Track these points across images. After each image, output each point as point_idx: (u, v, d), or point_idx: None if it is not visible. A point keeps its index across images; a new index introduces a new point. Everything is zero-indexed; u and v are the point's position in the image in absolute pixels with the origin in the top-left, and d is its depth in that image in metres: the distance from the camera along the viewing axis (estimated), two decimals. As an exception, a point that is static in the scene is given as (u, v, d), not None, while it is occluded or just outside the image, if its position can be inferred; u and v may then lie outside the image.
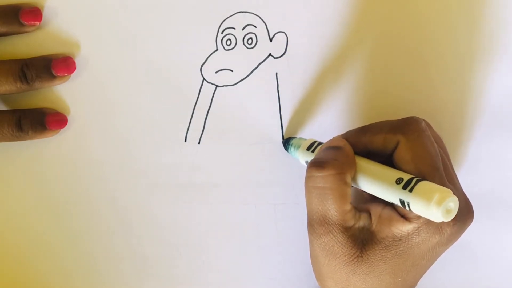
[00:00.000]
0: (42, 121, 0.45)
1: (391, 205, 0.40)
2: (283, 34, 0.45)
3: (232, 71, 0.46)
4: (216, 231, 0.48)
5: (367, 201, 0.43)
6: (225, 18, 0.45)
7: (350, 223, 0.40)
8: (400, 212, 0.39)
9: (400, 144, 0.40)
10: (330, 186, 0.39)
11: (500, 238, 0.48)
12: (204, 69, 0.46)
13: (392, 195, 0.38)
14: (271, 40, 0.45)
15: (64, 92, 0.46)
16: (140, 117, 0.46)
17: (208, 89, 0.46)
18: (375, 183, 0.39)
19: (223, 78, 0.46)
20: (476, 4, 0.45)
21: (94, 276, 0.49)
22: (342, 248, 0.40)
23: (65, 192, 0.47)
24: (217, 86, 0.46)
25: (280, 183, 0.47)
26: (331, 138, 0.43)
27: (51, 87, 0.45)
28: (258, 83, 0.46)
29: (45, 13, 0.44)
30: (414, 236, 0.39)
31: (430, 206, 0.36)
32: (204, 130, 0.46)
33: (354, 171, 0.40)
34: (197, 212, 0.48)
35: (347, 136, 0.42)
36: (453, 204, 0.37)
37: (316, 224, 0.40)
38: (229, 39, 0.45)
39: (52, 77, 0.44)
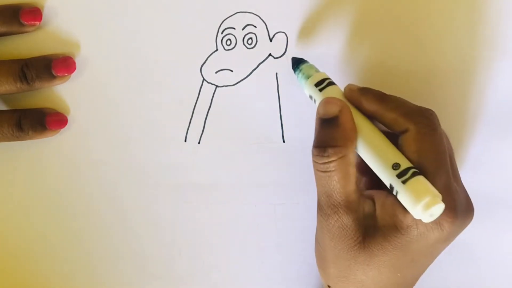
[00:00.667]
0: (42, 121, 0.45)
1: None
2: (283, 34, 0.45)
3: (232, 71, 0.46)
4: (216, 231, 0.48)
5: (366, 184, 0.44)
6: (225, 18, 0.45)
7: (355, 205, 0.40)
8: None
9: (408, 132, 0.39)
10: (334, 170, 0.39)
11: (500, 238, 0.48)
12: (204, 69, 0.46)
13: (384, 177, 0.38)
14: (271, 40, 0.45)
15: (64, 92, 0.46)
16: (140, 117, 0.46)
17: (208, 89, 0.46)
18: (372, 158, 0.39)
19: (223, 78, 0.46)
20: (477, 3, 0.45)
21: (94, 276, 0.49)
22: (347, 231, 0.40)
23: (65, 192, 0.47)
24: (217, 86, 0.46)
25: (280, 183, 0.47)
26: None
27: (51, 87, 0.45)
28: (258, 83, 0.46)
29: (45, 13, 0.44)
30: (413, 229, 0.39)
31: (417, 207, 0.36)
32: (204, 130, 0.46)
33: (355, 143, 0.40)
34: (197, 212, 0.48)
35: (364, 93, 0.41)
36: (439, 210, 0.37)
37: (324, 205, 0.40)
38: (229, 39, 0.45)
39: (52, 77, 0.44)
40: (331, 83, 0.42)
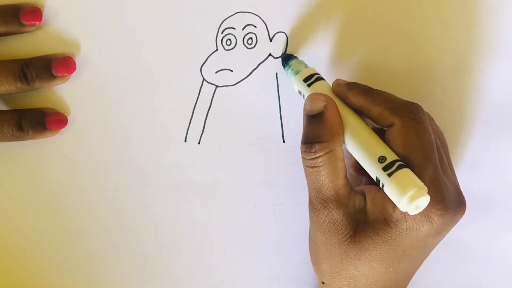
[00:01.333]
0: (42, 121, 0.45)
1: None
2: (283, 34, 0.45)
3: (232, 71, 0.46)
4: (216, 231, 0.48)
5: (365, 184, 0.44)
6: (225, 18, 0.45)
7: (345, 200, 0.40)
8: None
9: (394, 126, 0.39)
10: (322, 165, 0.40)
11: (499, 238, 0.48)
12: (204, 69, 0.46)
13: (371, 170, 0.39)
14: (271, 40, 0.45)
15: (64, 92, 0.46)
16: (140, 117, 0.46)
17: (208, 89, 0.46)
18: (358, 152, 0.39)
19: (223, 78, 0.46)
20: (474, 2, 0.45)
21: (94, 276, 0.49)
22: (337, 226, 0.40)
23: (65, 192, 0.47)
24: (217, 86, 0.46)
25: (280, 183, 0.47)
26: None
27: (51, 87, 0.45)
28: (258, 83, 0.46)
29: (45, 13, 0.44)
30: (402, 223, 0.39)
31: (403, 199, 0.36)
32: (204, 130, 0.47)
33: (342, 138, 0.40)
34: (197, 212, 0.48)
35: (351, 88, 0.41)
36: (425, 203, 0.37)
37: (314, 200, 0.41)
38: (229, 39, 0.45)
39: (52, 77, 0.44)
40: (320, 78, 0.43)
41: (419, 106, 0.40)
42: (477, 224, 0.47)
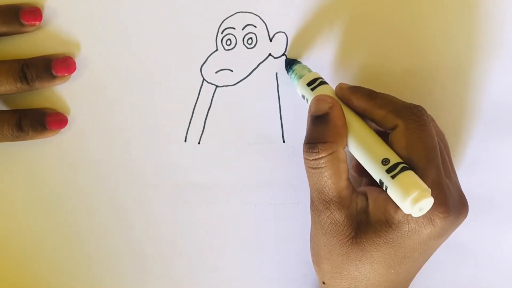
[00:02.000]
0: (42, 121, 0.45)
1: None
2: (283, 34, 0.45)
3: (232, 71, 0.46)
4: (216, 231, 0.48)
5: (366, 185, 0.44)
6: (225, 18, 0.45)
7: (347, 201, 0.40)
8: None
9: (398, 128, 0.39)
10: (325, 166, 0.40)
11: (499, 238, 0.48)
12: (204, 69, 0.46)
13: (374, 172, 0.39)
14: (271, 40, 0.45)
15: (64, 92, 0.46)
16: (140, 117, 0.46)
17: (208, 89, 0.46)
18: (362, 154, 0.39)
19: (223, 78, 0.46)
20: (474, 2, 0.45)
21: (94, 276, 0.49)
22: (339, 227, 0.40)
23: (65, 192, 0.47)
24: (217, 86, 0.46)
25: (280, 183, 0.47)
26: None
27: (51, 87, 0.45)
28: (258, 83, 0.46)
29: (45, 13, 0.44)
30: (404, 225, 0.39)
31: (406, 201, 0.36)
32: (204, 130, 0.47)
33: (345, 140, 0.40)
34: (197, 212, 0.48)
35: (354, 91, 0.41)
36: (428, 205, 0.37)
37: (316, 201, 0.41)
38: (229, 39, 0.45)
39: (52, 77, 0.44)
40: (323, 82, 0.43)
41: (422, 108, 0.40)
42: (477, 224, 0.47)
